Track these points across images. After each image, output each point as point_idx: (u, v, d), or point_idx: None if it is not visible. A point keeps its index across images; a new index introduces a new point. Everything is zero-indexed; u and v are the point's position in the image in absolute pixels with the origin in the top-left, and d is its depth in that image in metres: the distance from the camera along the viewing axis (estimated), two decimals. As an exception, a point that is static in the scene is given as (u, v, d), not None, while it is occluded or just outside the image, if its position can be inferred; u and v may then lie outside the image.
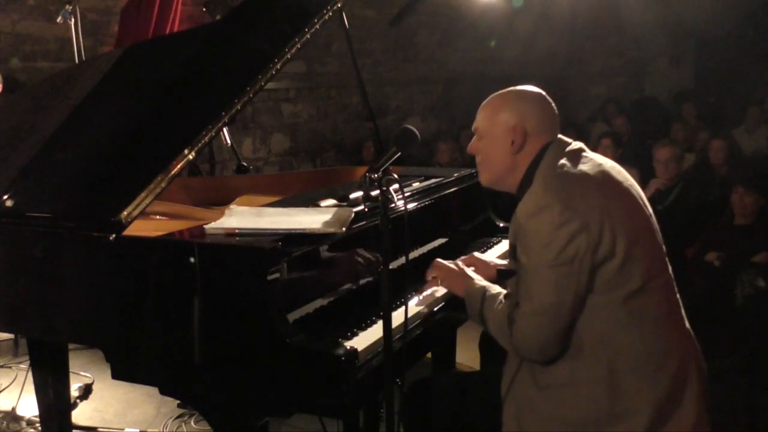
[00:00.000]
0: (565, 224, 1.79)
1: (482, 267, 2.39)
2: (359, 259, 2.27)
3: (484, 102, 2.09)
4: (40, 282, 2.29)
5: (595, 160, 1.97)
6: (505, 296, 2.02)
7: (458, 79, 9.21)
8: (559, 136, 2.03)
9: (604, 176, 1.94)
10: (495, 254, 2.79)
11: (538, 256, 1.82)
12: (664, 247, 1.99)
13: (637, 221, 1.92)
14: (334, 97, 7.90)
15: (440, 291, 2.31)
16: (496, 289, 2.09)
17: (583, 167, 1.93)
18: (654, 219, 2.00)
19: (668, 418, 1.85)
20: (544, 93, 2.07)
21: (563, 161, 1.93)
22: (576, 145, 2.01)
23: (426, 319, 2.19)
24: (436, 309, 2.24)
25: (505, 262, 2.46)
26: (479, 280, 2.17)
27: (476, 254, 2.52)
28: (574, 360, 1.86)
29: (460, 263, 2.31)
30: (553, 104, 2.07)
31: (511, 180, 2.04)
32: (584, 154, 1.99)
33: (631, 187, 1.98)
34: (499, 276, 2.13)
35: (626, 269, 1.82)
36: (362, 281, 2.27)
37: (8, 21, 5.10)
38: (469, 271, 2.25)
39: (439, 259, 2.34)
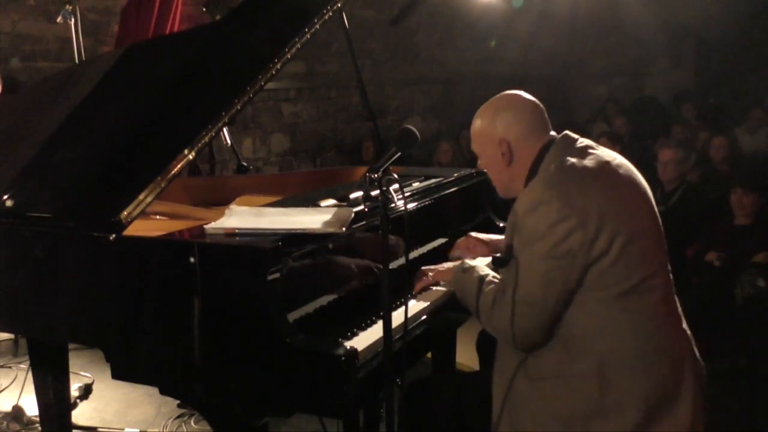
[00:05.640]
0: (563, 221, 1.80)
1: (479, 246, 2.47)
2: (359, 259, 2.27)
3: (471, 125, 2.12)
4: (41, 282, 2.29)
5: (601, 157, 1.96)
6: (494, 278, 2.03)
7: (458, 79, 9.20)
8: (567, 132, 2.03)
9: (608, 173, 1.93)
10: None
11: (532, 247, 1.84)
12: (666, 247, 1.98)
13: (637, 220, 1.91)
14: (334, 97, 7.89)
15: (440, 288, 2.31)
16: (485, 270, 2.10)
17: (587, 163, 1.92)
18: (659, 218, 1.99)
19: (661, 417, 1.85)
20: (523, 95, 2.06)
21: (568, 157, 1.93)
22: (584, 141, 2.01)
23: (431, 314, 2.19)
24: (439, 306, 2.24)
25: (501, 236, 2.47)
26: (469, 261, 2.18)
27: (473, 234, 2.55)
28: (564, 352, 1.87)
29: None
30: (537, 103, 2.05)
31: (516, 187, 2.05)
32: (591, 150, 1.98)
33: (637, 185, 1.97)
34: (494, 263, 2.15)
35: (621, 267, 1.82)
36: (362, 281, 2.27)
37: (8, 21, 5.11)
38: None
39: (423, 267, 2.35)
